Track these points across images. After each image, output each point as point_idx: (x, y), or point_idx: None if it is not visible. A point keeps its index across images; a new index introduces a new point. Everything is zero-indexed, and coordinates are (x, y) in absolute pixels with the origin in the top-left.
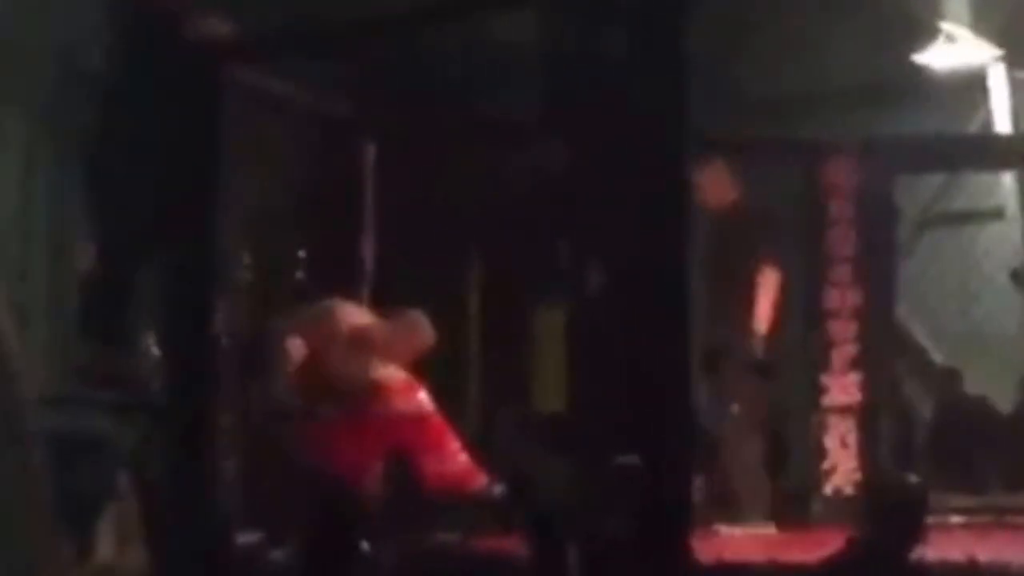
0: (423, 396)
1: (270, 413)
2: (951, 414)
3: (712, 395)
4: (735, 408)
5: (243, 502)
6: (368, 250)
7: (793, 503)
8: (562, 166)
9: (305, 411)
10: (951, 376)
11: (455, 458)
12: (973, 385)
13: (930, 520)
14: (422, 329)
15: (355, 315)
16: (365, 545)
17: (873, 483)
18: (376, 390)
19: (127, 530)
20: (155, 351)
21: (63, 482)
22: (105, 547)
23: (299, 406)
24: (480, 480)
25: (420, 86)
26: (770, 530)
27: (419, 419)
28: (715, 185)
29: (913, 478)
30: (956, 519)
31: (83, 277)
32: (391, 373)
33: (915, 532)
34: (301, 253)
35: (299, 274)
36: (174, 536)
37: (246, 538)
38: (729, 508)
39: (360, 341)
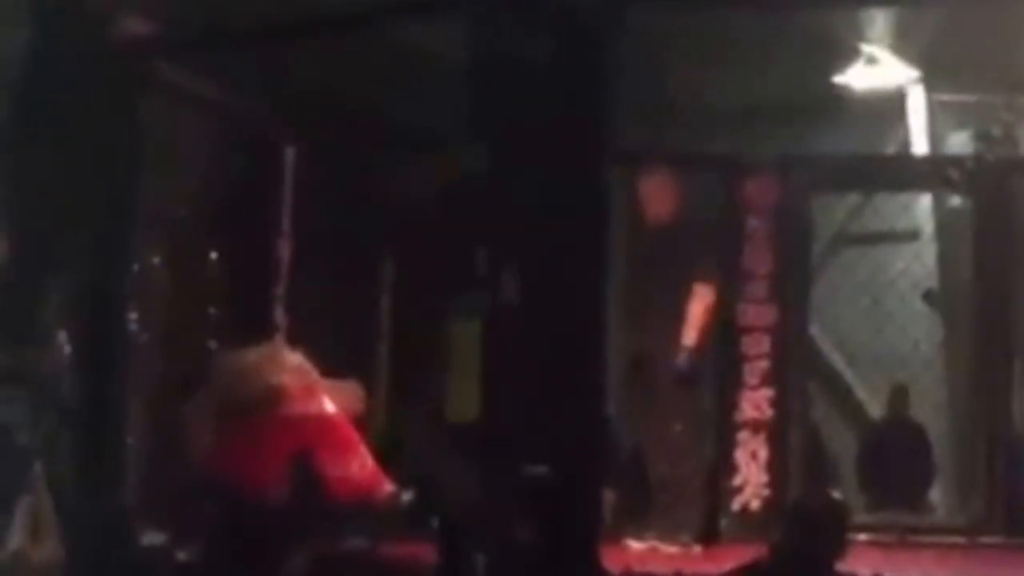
0: (324, 399)
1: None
2: (892, 431)
3: (638, 406)
4: (677, 427)
5: (148, 503)
6: (284, 253)
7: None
8: (482, 174)
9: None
10: (900, 393)
11: (360, 462)
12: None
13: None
14: (358, 400)
15: (304, 365)
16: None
17: (796, 498)
18: (276, 394)
19: (41, 522)
20: (66, 349)
21: None
22: (19, 538)
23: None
24: (385, 487)
25: (341, 91)
26: (687, 546)
27: (320, 421)
28: (657, 196)
29: (837, 495)
30: (862, 537)
31: None
32: (291, 379)
33: (835, 548)
34: (213, 254)
35: (212, 276)
36: (79, 532)
37: (151, 538)
38: (645, 522)
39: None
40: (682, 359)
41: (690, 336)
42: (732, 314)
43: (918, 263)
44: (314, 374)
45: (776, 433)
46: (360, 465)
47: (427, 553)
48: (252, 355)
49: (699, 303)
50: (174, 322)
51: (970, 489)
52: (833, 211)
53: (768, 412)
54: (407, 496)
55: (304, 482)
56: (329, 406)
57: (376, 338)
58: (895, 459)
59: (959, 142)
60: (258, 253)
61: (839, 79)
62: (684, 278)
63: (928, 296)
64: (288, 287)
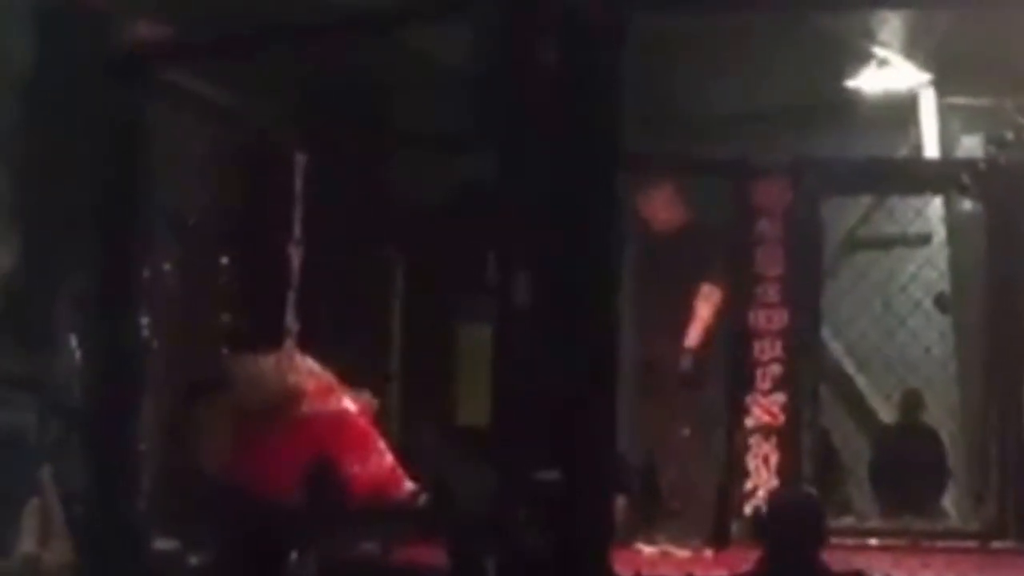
0: (343, 397)
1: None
2: (904, 436)
3: (648, 410)
4: (686, 431)
5: (161, 508)
6: (294, 258)
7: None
8: (490, 179)
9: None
10: (912, 398)
11: (379, 460)
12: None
13: (848, 541)
14: (369, 408)
15: (317, 368)
16: (293, 555)
17: (769, 499)
18: (293, 394)
19: (50, 525)
20: (77, 354)
21: None
22: (29, 541)
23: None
24: (405, 486)
25: (349, 95)
26: (698, 550)
27: (339, 418)
28: (665, 208)
29: (811, 491)
30: (874, 542)
31: (5, 278)
32: (307, 380)
33: (809, 544)
34: (223, 260)
35: (222, 281)
36: (91, 537)
37: (164, 544)
38: (656, 526)
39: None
40: (685, 360)
41: (693, 337)
42: (743, 318)
43: (930, 267)
44: (328, 375)
45: (788, 437)
46: (379, 463)
47: (438, 557)
48: (265, 360)
49: (705, 304)
50: (185, 327)
51: (983, 494)
52: (844, 215)
53: (780, 417)
54: (425, 497)
55: (322, 485)
56: (348, 403)
57: (386, 343)
58: (907, 464)
59: (971, 146)
60: (268, 258)
61: (850, 82)
62: (695, 282)
63: (940, 300)
64: (298, 293)
